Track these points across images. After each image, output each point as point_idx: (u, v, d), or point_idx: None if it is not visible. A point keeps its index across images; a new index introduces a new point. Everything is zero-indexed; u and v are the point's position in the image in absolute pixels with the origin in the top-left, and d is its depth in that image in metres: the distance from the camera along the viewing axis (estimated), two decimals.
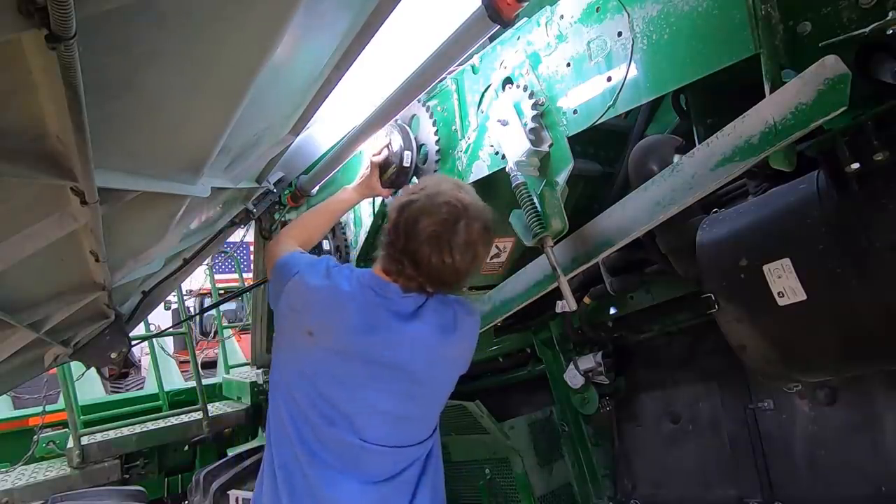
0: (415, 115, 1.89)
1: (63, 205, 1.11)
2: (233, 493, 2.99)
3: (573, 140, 1.44)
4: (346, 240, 2.48)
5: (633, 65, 1.28)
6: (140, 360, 7.89)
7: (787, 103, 1.02)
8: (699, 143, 1.23)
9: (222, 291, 5.73)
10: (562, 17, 1.43)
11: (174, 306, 5.66)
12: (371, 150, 1.92)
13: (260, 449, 3.09)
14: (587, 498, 2.66)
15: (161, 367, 4.52)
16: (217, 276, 5.85)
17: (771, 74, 1.07)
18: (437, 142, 1.79)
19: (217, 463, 3.37)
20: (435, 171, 1.80)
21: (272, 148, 1.99)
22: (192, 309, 7.85)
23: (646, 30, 1.24)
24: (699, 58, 1.16)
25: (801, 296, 1.30)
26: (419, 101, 1.88)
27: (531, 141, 1.45)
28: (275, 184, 2.55)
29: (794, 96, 1.01)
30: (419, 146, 1.88)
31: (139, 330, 3.90)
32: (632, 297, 2.25)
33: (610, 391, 2.52)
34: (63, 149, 0.88)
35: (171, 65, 0.97)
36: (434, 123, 1.82)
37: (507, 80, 1.59)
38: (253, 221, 2.78)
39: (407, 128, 1.90)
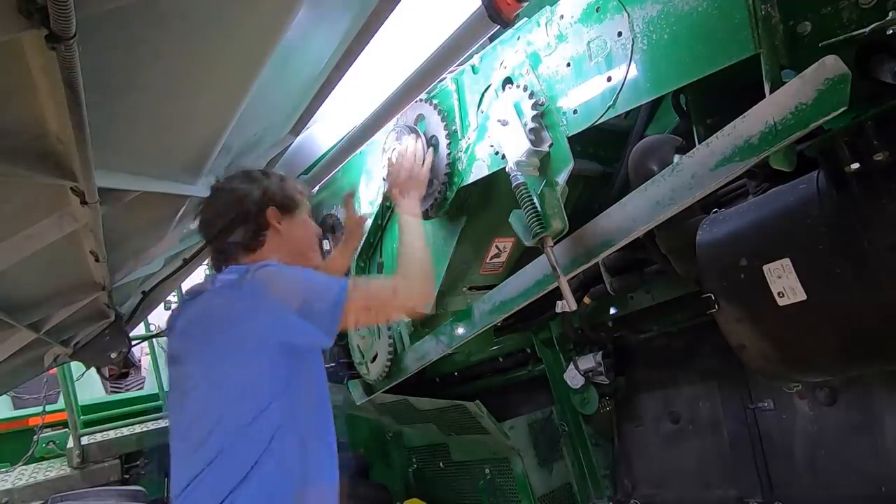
0: (420, 114, 1.89)
1: (63, 205, 1.11)
2: None
3: (573, 140, 1.44)
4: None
5: (633, 65, 1.28)
6: (140, 360, 7.87)
7: (787, 103, 1.02)
8: (699, 143, 1.23)
9: None
10: (562, 17, 1.43)
11: (174, 306, 5.65)
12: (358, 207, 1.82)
13: None
14: (587, 498, 2.66)
15: (161, 367, 4.52)
16: None
17: (771, 74, 1.07)
18: (448, 135, 1.79)
19: None
20: (447, 163, 1.79)
21: (272, 148, 2.00)
22: None
23: (646, 30, 1.24)
24: (699, 58, 1.16)
25: (801, 296, 1.30)
26: (422, 101, 1.88)
27: (531, 141, 1.45)
28: None
29: (794, 96, 1.01)
30: (430, 137, 1.86)
31: (139, 330, 3.91)
32: (632, 297, 2.25)
33: (610, 391, 2.52)
34: (63, 149, 0.88)
35: (172, 65, 0.97)
36: (442, 117, 1.80)
37: (507, 80, 1.58)
38: None
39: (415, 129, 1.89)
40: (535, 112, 1.46)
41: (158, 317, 6.69)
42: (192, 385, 1.24)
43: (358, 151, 2.18)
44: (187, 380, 1.26)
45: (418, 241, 1.46)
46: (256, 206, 1.36)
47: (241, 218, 1.35)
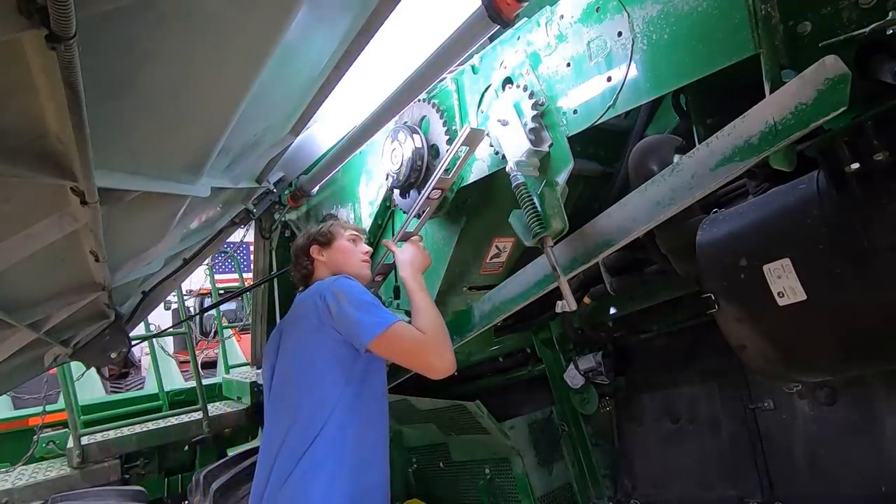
0: (424, 116, 1.89)
1: (63, 205, 1.11)
2: None
3: (573, 140, 1.44)
4: None
5: (633, 65, 1.28)
6: (140, 360, 7.88)
7: (787, 103, 1.02)
8: (699, 143, 1.23)
9: (222, 291, 5.72)
10: (562, 17, 1.43)
11: (174, 306, 5.65)
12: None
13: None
14: (587, 498, 2.66)
15: (161, 367, 4.52)
16: (217, 276, 5.84)
17: (771, 74, 1.07)
18: (448, 141, 1.79)
19: (217, 463, 3.37)
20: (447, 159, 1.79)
21: (272, 148, 2.00)
22: (192, 309, 7.85)
23: (646, 30, 1.24)
24: (699, 58, 1.16)
25: (801, 296, 1.30)
26: (427, 102, 1.88)
27: (531, 141, 1.45)
28: (275, 184, 2.55)
29: (794, 96, 1.01)
30: (431, 146, 1.87)
31: (139, 330, 3.91)
32: (632, 297, 2.25)
33: (610, 391, 2.52)
34: (63, 149, 0.88)
35: (172, 65, 0.97)
36: (445, 123, 1.81)
37: (507, 80, 1.59)
38: (253, 221, 2.78)
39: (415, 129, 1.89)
40: (535, 112, 1.46)
41: (158, 317, 6.71)
42: (280, 360, 1.70)
43: (358, 151, 2.18)
44: (280, 356, 1.71)
45: (436, 313, 1.69)
46: (303, 249, 1.91)
47: (296, 261, 1.93)
